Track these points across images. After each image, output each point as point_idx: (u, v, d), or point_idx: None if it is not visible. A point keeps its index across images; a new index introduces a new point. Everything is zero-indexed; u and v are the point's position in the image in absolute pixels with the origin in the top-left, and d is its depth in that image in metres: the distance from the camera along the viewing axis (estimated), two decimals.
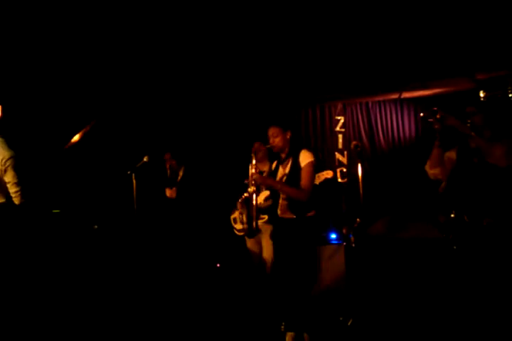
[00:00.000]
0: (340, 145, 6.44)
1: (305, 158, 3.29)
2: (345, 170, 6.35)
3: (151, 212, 4.79)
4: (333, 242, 4.70)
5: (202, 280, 4.59)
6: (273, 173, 3.49)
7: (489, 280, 3.14)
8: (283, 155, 3.44)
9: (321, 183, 3.96)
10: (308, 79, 5.43)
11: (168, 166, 5.08)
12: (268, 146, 3.43)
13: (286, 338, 3.27)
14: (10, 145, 3.41)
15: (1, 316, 3.18)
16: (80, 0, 3.60)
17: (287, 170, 3.35)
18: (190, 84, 5.47)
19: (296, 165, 3.29)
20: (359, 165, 4.19)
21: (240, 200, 4.23)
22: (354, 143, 4.25)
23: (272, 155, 3.68)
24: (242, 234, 4.45)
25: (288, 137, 3.38)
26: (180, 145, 5.14)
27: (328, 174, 3.97)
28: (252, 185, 3.40)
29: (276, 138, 3.36)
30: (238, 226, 4.47)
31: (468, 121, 3.10)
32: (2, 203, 3.31)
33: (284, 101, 6.27)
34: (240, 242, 5.03)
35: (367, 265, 4.54)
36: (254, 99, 6.09)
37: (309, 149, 3.38)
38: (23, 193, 3.28)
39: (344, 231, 4.78)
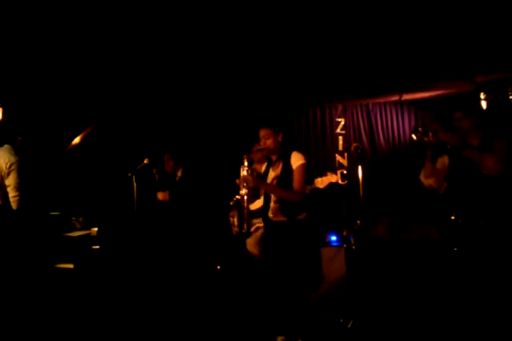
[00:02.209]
0: (340, 147, 6.43)
1: (297, 160, 3.25)
2: (345, 172, 6.35)
3: (151, 213, 4.79)
4: (334, 244, 4.70)
5: (202, 282, 4.59)
6: (264, 176, 3.47)
7: (489, 281, 3.15)
8: (274, 158, 3.39)
9: (325, 187, 3.95)
10: (309, 80, 5.43)
11: (166, 168, 4.94)
12: (259, 148, 3.40)
13: None
14: (16, 151, 3.47)
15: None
16: (80, 2, 3.62)
17: (278, 172, 3.32)
18: (190, 86, 5.48)
19: (287, 167, 3.26)
20: (359, 167, 4.20)
21: (231, 202, 4.19)
22: (355, 145, 4.27)
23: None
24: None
25: (280, 139, 3.34)
26: (179, 147, 5.11)
27: (332, 178, 3.97)
28: (244, 186, 3.37)
29: (267, 140, 3.32)
30: (235, 228, 4.47)
31: (457, 124, 3.17)
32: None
33: (284, 102, 6.28)
34: (239, 243, 5.03)
35: (368, 267, 4.54)
36: (253, 101, 6.10)
37: (300, 151, 3.34)
38: (21, 199, 3.32)
39: (344, 233, 4.78)
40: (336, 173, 4.31)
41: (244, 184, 3.35)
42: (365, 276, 4.41)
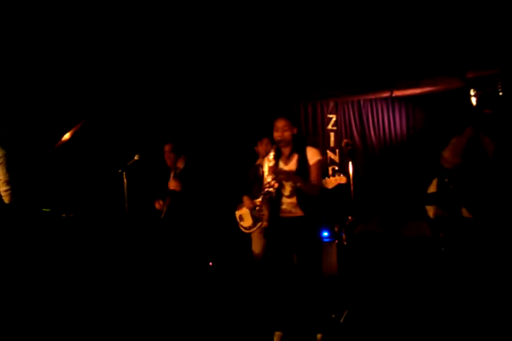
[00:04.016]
0: (332, 144, 6.45)
1: (314, 155, 3.26)
2: (337, 168, 6.37)
3: (142, 210, 4.76)
4: (325, 240, 4.72)
5: (194, 279, 4.58)
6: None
7: (479, 276, 3.18)
8: (286, 151, 3.32)
9: (333, 188, 3.92)
10: (300, 76, 5.43)
11: (166, 160, 4.54)
12: (279, 139, 3.24)
13: (274, 338, 3.26)
14: (2, 145, 3.45)
15: None
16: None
17: (294, 166, 3.26)
18: (180, 81, 5.46)
19: (303, 161, 3.23)
20: (350, 164, 4.20)
21: (262, 197, 3.59)
22: (345, 141, 4.27)
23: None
24: (250, 231, 4.31)
25: (295, 132, 3.29)
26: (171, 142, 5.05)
27: (341, 179, 3.95)
28: (274, 180, 3.22)
29: (285, 132, 3.24)
30: (246, 223, 4.32)
31: None
32: None
33: (275, 98, 6.27)
34: (230, 240, 5.02)
35: (359, 262, 4.56)
36: (246, 97, 6.09)
37: (314, 146, 3.34)
38: (12, 192, 3.31)
39: (336, 229, 4.80)
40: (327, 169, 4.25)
41: (274, 176, 3.22)
42: (357, 271, 4.43)
